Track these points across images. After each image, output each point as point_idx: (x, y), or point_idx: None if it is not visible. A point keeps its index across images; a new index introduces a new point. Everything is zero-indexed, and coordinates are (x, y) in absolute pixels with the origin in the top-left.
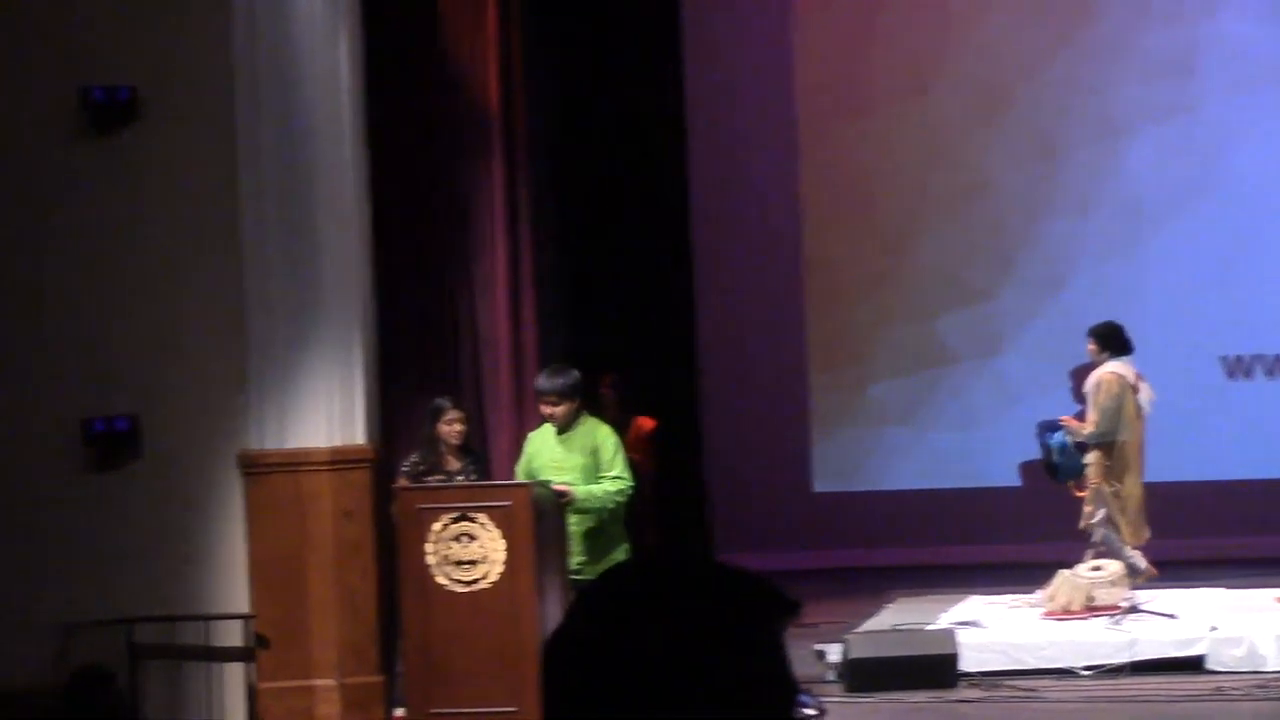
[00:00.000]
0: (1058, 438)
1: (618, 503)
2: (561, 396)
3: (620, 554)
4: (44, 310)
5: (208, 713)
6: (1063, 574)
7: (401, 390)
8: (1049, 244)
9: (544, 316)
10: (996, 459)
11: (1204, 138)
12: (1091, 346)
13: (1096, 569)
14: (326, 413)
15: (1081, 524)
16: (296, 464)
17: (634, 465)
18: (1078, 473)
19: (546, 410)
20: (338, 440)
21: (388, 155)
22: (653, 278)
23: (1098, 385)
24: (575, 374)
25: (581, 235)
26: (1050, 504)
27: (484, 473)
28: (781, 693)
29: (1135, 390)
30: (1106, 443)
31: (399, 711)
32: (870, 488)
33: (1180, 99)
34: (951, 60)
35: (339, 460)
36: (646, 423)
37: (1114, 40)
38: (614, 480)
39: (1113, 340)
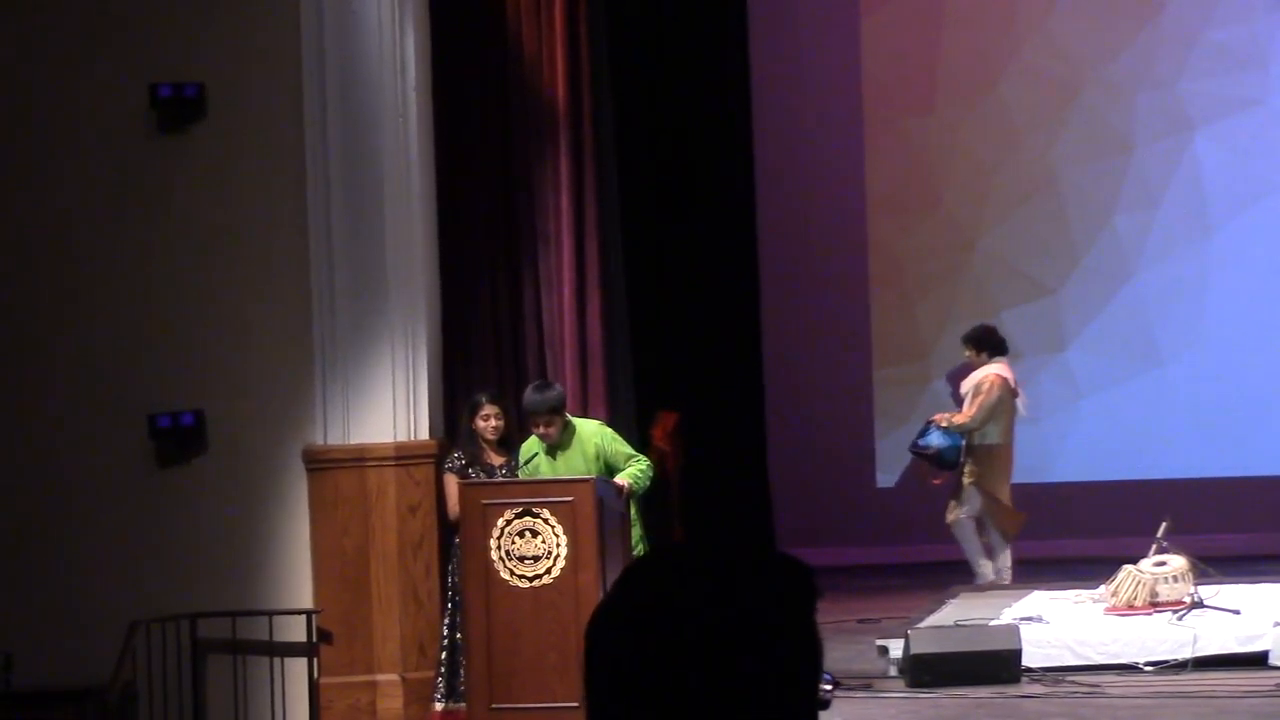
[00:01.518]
0: (934, 437)
1: (643, 486)
2: (554, 413)
3: (636, 534)
4: (110, 305)
5: (271, 707)
6: (1126, 569)
7: (466, 386)
8: (1116, 239)
9: (609, 314)
10: (1061, 453)
11: (1274, 132)
12: (969, 351)
13: (1161, 564)
14: (391, 408)
15: (949, 517)
16: (361, 459)
17: (661, 458)
18: (955, 462)
19: (539, 430)
20: (402, 436)
21: (454, 151)
22: (718, 274)
23: (979, 385)
24: (560, 389)
25: (646, 232)
26: (1114, 499)
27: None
28: (810, 673)
29: (1014, 394)
30: (989, 445)
31: (438, 706)
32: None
33: (1250, 93)
34: (1019, 54)
35: (403, 456)
36: (670, 417)
37: (1183, 33)
38: (639, 462)
39: (988, 343)
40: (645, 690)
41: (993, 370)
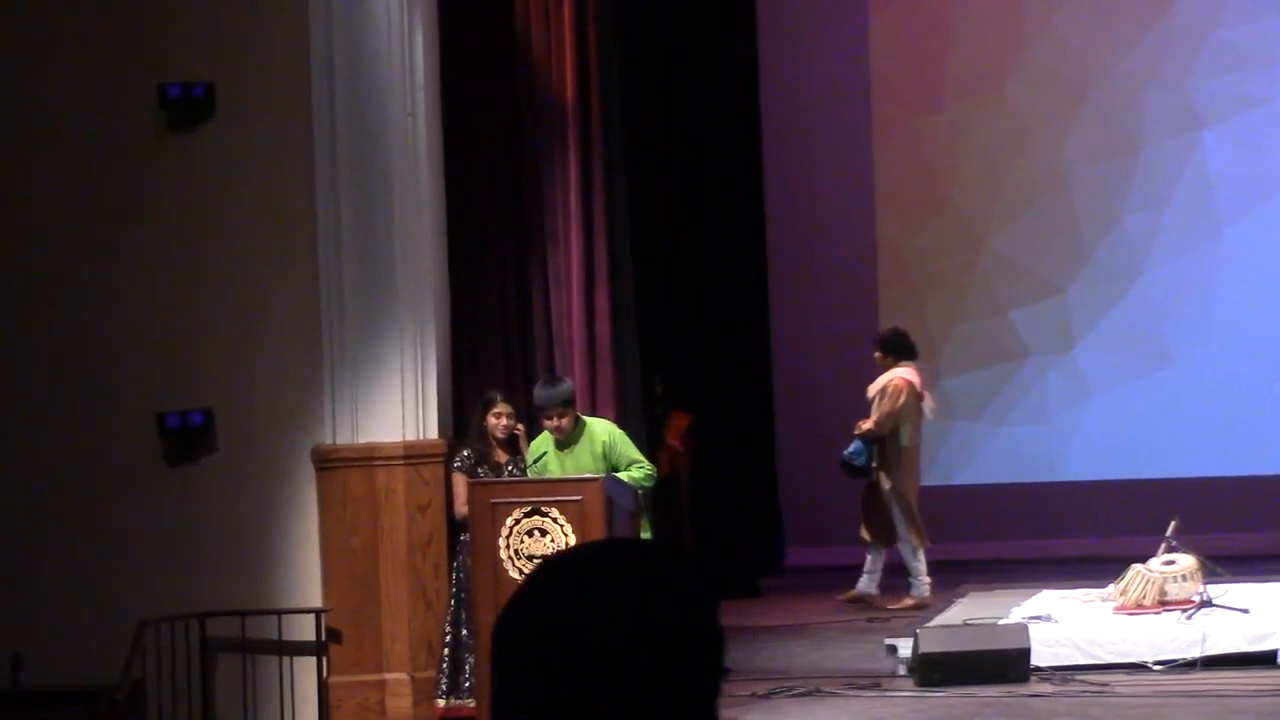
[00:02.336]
0: (855, 446)
1: (648, 488)
2: (565, 407)
3: (645, 534)
4: (119, 304)
5: (280, 706)
6: (1135, 568)
7: (475, 385)
8: (1124, 238)
9: (617, 312)
10: (1069, 453)
11: None
12: (878, 354)
13: (1170, 563)
14: (400, 407)
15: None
16: (370, 459)
17: (675, 458)
18: (865, 468)
19: (551, 424)
20: (411, 435)
21: (463, 150)
22: (726, 273)
23: (884, 389)
24: (570, 383)
25: (654, 231)
26: (1123, 498)
27: (524, 471)
28: (710, 668)
29: (920, 397)
30: (900, 448)
31: (440, 703)
32: (943, 482)
33: (1259, 91)
34: (1027, 53)
35: (412, 455)
36: (684, 418)
37: (1191, 33)
38: (639, 468)
39: (897, 347)
40: (547, 692)
41: (898, 374)
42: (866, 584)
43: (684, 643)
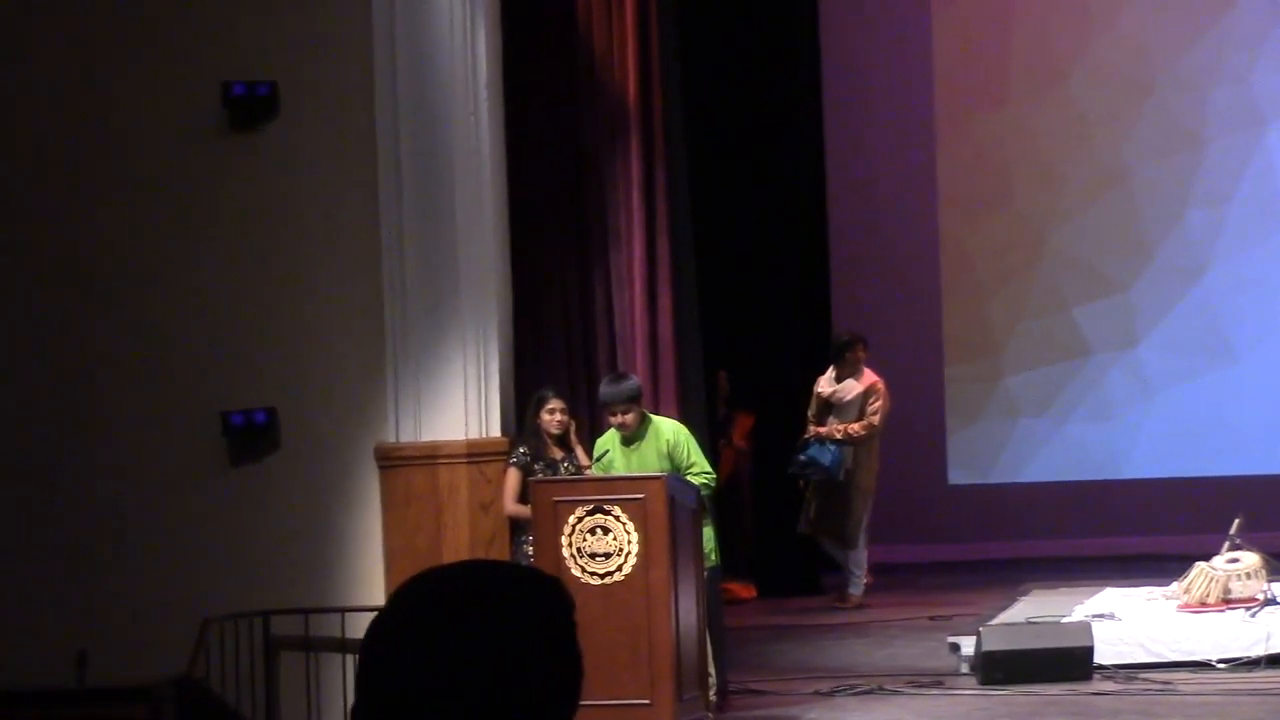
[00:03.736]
0: (814, 451)
1: (707, 495)
2: (631, 403)
3: (709, 539)
4: (184, 303)
5: (344, 704)
6: (1199, 566)
7: (537, 383)
8: (1188, 234)
9: (679, 311)
10: (1133, 450)
11: None
12: (861, 353)
13: (1233, 561)
14: (463, 405)
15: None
16: (433, 456)
17: (739, 457)
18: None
19: (617, 420)
20: (474, 433)
21: (525, 148)
22: (788, 271)
23: (873, 388)
24: (636, 379)
25: (717, 228)
26: (1187, 495)
27: (579, 467)
28: (568, 686)
29: None
30: (871, 449)
31: None
32: (1006, 480)
33: None
34: (1090, 49)
35: (475, 453)
36: (748, 418)
37: (1255, 29)
38: (699, 475)
39: (867, 345)
40: (408, 707)
41: (873, 375)
42: (856, 584)
43: (540, 668)
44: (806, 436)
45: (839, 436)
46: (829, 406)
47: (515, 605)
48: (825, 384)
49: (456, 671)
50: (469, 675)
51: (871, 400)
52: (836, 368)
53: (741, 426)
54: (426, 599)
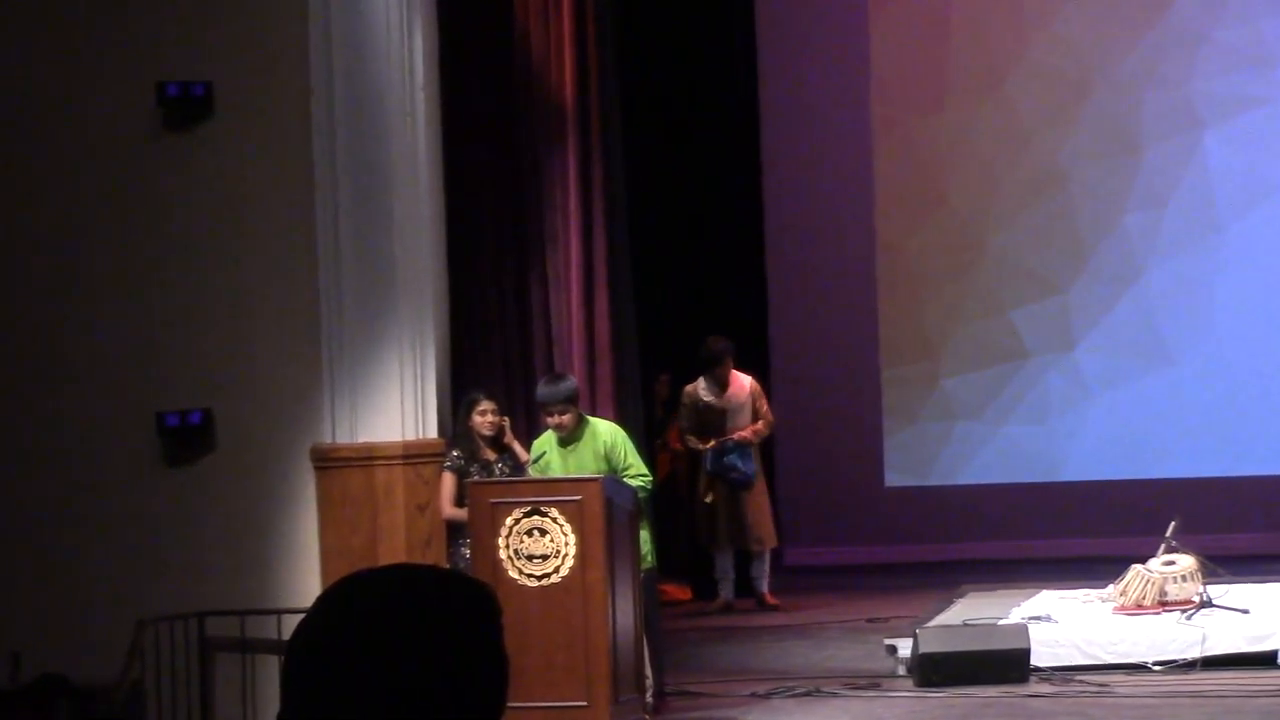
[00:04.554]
0: (734, 457)
1: (644, 498)
2: (568, 403)
3: (645, 541)
4: (118, 304)
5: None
6: (1135, 568)
7: (474, 385)
8: (1124, 237)
9: (616, 313)
10: (1070, 453)
11: None
12: (729, 360)
13: (1169, 563)
14: (399, 407)
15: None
16: (369, 458)
17: (676, 459)
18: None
19: (554, 420)
20: (410, 434)
21: (462, 151)
22: (725, 272)
23: (756, 390)
24: (573, 380)
25: (654, 229)
26: (1123, 498)
27: (516, 465)
28: (494, 689)
29: None
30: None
31: None
32: (942, 482)
33: (1259, 91)
34: (1027, 52)
35: (411, 454)
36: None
37: (1191, 32)
38: (636, 477)
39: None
40: (334, 709)
41: (743, 375)
42: (731, 589)
43: (465, 671)
44: (725, 440)
45: (752, 438)
46: (712, 414)
47: (441, 608)
48: (707, 393)
49: (382, 674)
50: (394, 678)
51: (759, 400)
52: (711, 376)
53: (677, 429)
54: (352, 602)
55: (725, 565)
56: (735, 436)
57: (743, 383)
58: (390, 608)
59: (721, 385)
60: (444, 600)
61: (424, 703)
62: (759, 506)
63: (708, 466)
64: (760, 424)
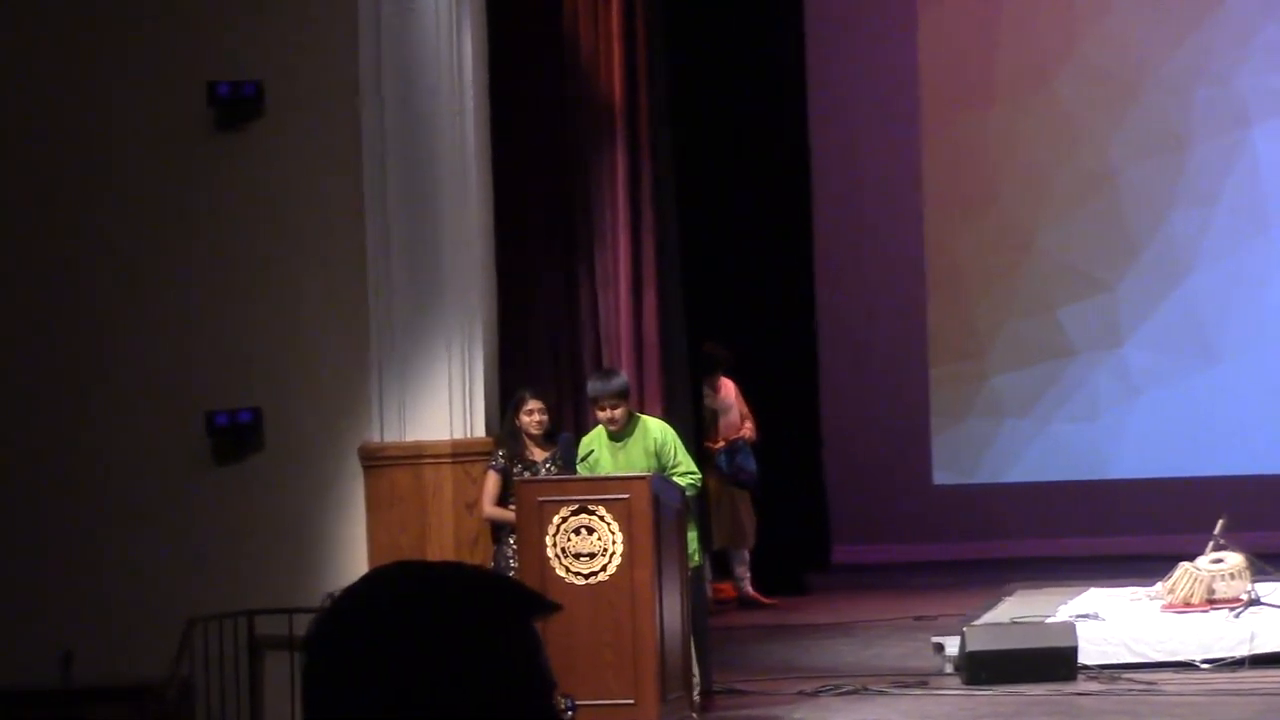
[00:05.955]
0: (742, 458)
1: (691, 496)
2: (619, 398)
3: (692, 540)
4: (169, 303)
5: None
6: (1183, 566)
7: (522, 383)
8: (1173, 235)
9: (665, 311)
10: (1117, 451)
11: None
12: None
13: (1217, 561)
14: (448, 405)
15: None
16: (417, 456)
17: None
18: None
19: (605, 415)
20: (459, 433)
21: (511, 149)
22: (774, 270)
23: (736, 394)
24: (624, 375)
25: (702, 228)
26: (1171, 495)
27: (569, 461)
28: (532, 689)
29: None
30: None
31: None
32: (990, 480)
33: None
34: (1076, 50)
35: (460, 453)
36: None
37: (1240, 29)
38: (685, 475)
39: None
40: (354, 702)
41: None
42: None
43: (496, 666)
44: (736, 439)
45: (753, 437)
46: (709, 415)
47: (459, 607)
48: (704, 396)
49: (405, 673)
50: (419, 677)
51: (741, 402)
52: (708, 381)
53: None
54: (372, 600)
55: (738, 559)
56: (746, 436)
57: (729, 385)
58: (420, 605)
59: (714, 388)
60: (461, 598)
61: (447, 702)
62: (747, 507)
63: (724, 467)
64: (750, 423)
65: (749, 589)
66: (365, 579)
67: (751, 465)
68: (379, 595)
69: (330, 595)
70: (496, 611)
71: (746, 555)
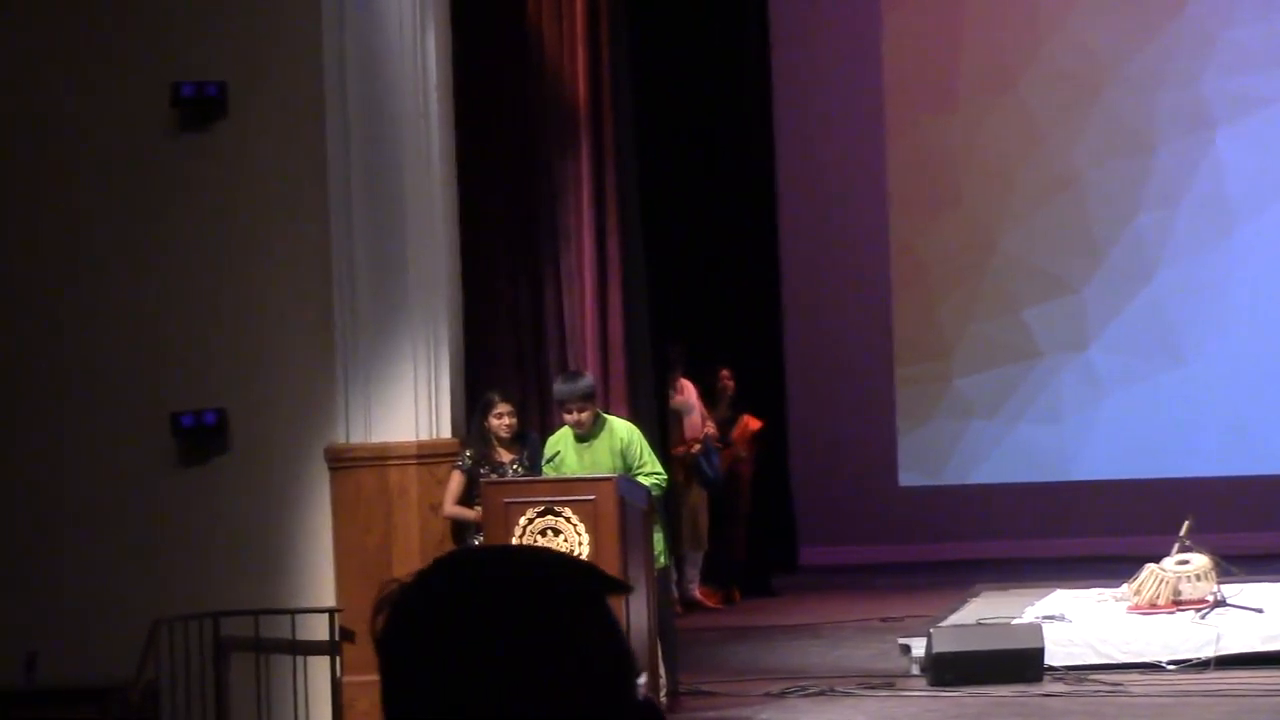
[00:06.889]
0: (713, 458)
1: (658, 495)
2: (586, 401)
3: (658, 541)
4: (133, 304)
5: (294, 706)
6: (1149, 567)
7: (487, 384)
8: (1137, 237)
9: (629, 311)
10: (1083, 452)
11: None
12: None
13: (1183, 562)
14: (413, 406)
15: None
16: (383, 458)
17: (737, 463)
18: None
19: (571, 418)
20: (424, 434)
21: (475, 149)
22: (739, 272)
23: (692, 392)
24: (590, 377)
25: (668, 230)
26: (1137, 497)
27: (535, 462)
28: (618, 670)
29: None
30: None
31: None
32: (956, 481)
33: (1271, 91)
34: (1040, 53)
35: (425, 454)
36: (753, 422)
37: (1203, 33)
38: (649, 476)
39: None
40: (441, 694)
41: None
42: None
43: (588, 646)
44: (705, 438)
45: (715, 436)
46: (673, 416)
47: (540, 591)
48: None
49: (493, 664)
50: (508, 667)
51: (700, 405)
52: (668, 380)
53: (743, 429)
54: (460, 580)
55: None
56: (711, 434)
57: (689, 386)
58: (498, 588)
59: (675, 389)
60: (551, 583)
61: (536, 690)
62: (706, 508)
63: (707, 470)
64: (711, 425)
65: (695, 592)
66: (433, 569)
67: (718, 465)
68: (457, 585)
69: (391, 587)
70: (578, 593)
71: (700, 559)
